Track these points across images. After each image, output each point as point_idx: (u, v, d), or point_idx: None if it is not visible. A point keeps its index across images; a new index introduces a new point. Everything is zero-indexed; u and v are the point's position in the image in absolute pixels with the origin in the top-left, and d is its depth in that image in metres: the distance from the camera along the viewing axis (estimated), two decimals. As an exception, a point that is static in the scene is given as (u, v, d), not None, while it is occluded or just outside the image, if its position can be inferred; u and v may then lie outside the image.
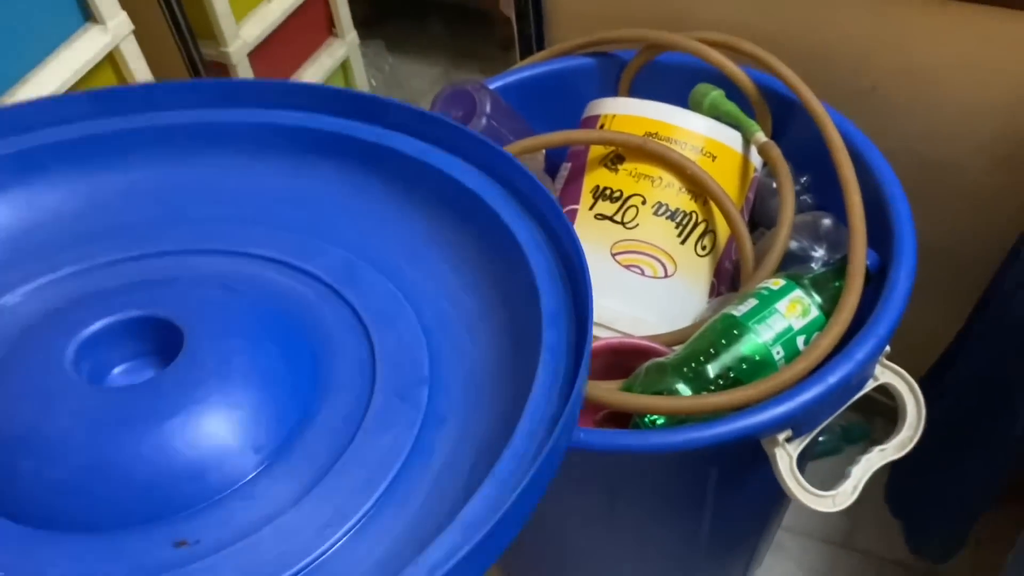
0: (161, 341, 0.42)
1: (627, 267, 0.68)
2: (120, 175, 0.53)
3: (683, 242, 0.68)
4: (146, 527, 0.37)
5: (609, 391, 0.56)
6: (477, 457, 0.40)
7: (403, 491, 0.39)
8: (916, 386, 0.60)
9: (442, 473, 0.40)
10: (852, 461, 0.60)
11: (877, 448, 0.59)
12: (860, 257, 0.61)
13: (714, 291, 0.70)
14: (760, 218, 0.76)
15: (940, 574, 0.94)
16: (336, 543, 0.37)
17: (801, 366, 0.56)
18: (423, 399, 0.42)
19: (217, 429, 0.39)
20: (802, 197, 0.74)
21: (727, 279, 0.72)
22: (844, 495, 0.58)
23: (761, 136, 0.70)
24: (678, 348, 0.63)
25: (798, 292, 0.60)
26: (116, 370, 0.43)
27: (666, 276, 0.68)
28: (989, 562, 0.86)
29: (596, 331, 0.66)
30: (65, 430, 0.38)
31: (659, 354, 0.64)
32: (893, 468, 0.60)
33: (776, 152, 0.69)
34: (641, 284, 0.67)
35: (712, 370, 0.57)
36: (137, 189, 0.53)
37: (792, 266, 0.67)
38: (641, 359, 0.65)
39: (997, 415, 0.76)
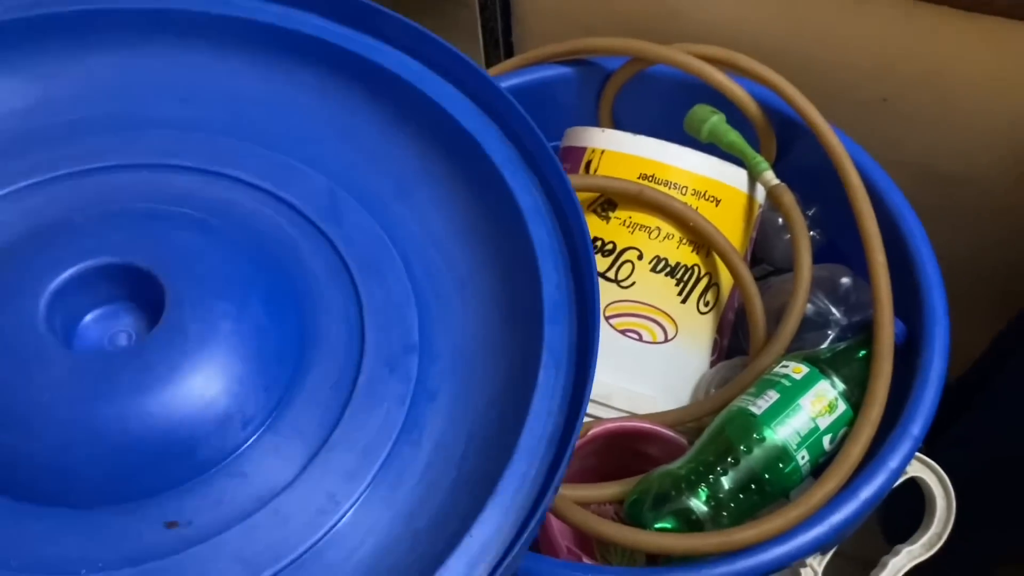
0: (137, 288, 0.39)
1: (623, 332, 0.60)
2: (76, 64, 0.46)
3: (684, 300, 0.61)
4: (135, 505, 0.36)
5: (618, 529, 0.49)
6: (468, 442, 0.38)
7: (395, 473, 0.37)
8: (947, 479, 0.55)
9: (434, 455, 0.38)
10: (875, 564, 0.55)
11: (904, 549, 0.54)
12: (888, 341, 0.54)
13: (716, 347, 0.63)
14: (763, 254, 0.68)
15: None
16: (330, 530, 0.36)
17: (832, 485, 0.49)
18: (413, 369, 0.40)
19: (205, 399, 0.36)
20: (811, 233, 0.67)
21: (728, 331, 0.65)
22: (870, 606, 0.53)
23: (771, 177, 0.62)
24: (684, 435, 0.57)
25: (823, 384, 0.53)
26: (88, 317, 0.39)
27: (666, 340, 0.60)
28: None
29: (590, 409, 0.59)
30: (45, 402, 0.36)
31: (665, 440, 0.57)
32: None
33: (789, 198, 0.61)
34: (639, 352, 0.60)
35: (729, 482, 0.51)
36: (95, 80, 0.46)
37: (806, 332, 0.60)
38: (642, 442, 0.58)
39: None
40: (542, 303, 0.40)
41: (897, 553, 0.54)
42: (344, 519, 0.36)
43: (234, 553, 0.35)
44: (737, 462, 0.51)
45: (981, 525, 0.65)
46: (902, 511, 0.58)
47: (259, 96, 0.47)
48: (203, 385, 0.36)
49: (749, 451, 0.51)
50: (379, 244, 0.43)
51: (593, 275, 0.40)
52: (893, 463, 0.51)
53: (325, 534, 0.36)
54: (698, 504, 0.50)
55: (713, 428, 0.54)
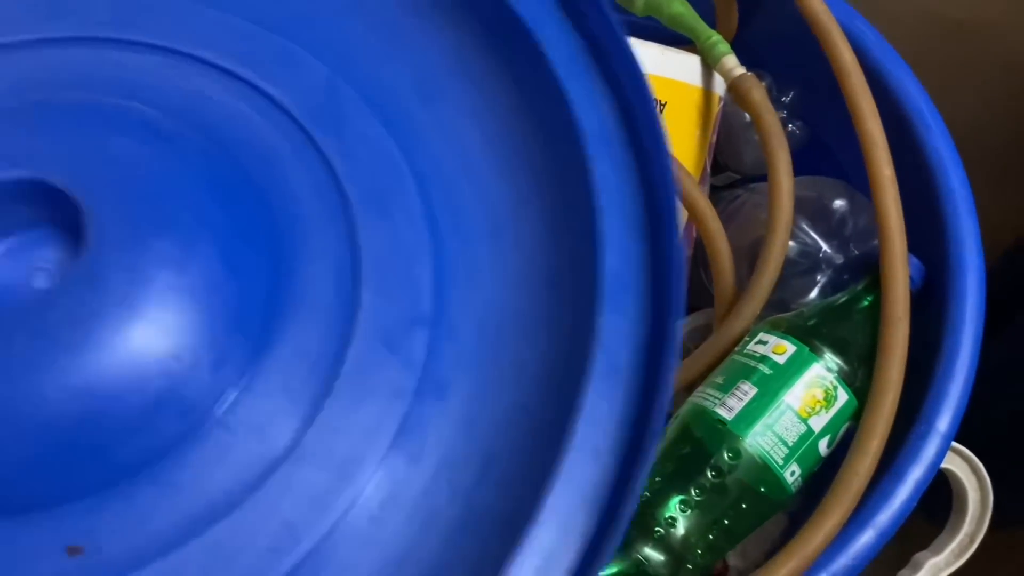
0: (58, 214, 0.29)
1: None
2: None
3: (625, 246, 0.45)
4: (24, 519, 0.27)
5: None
6: (485, 465, 0.28)
7: (381, 501, 0.27)
8: (983, 469, 0.41)
9: (436, 479, 0.28)
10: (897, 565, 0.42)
11: (928, 561, 0.42)
12: (901, 291, 0.39)
13: (672, 294, 0.48)
14: (726, 158, 0.52)
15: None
16: None
17: (834, 520, 0.36)
18: (420, 351, 0.29)
19: (122, 380, 0.27)
20: (789, 127, 0.50)
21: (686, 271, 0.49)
22: (886, 641, 0.41)
23: (732, 64, 0.44)
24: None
25: (816, 369, 0.39)
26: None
27: (604, 303, 0.45)
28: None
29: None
30: None
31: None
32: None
33: (759, 94, 0.44)
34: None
35: (692, 519, 0.37)
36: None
37: (788, 277, 0.44)
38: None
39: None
40: (598, 279, 0.28)
41: (918, 567, 0.41)
42: (305, 564, 0.27)
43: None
44: (703, 490, 0.37)
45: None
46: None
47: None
48: (121, 361, 0.27)
49: (719, 475, 0.37)
50: (390, 165, 0.31)
51: (677, 243, 0.28)
52: (915, 475, 0.37)
53: None
54: (653, 554, 0.37)
55: (668, 438, 0.39)
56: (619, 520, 0.25)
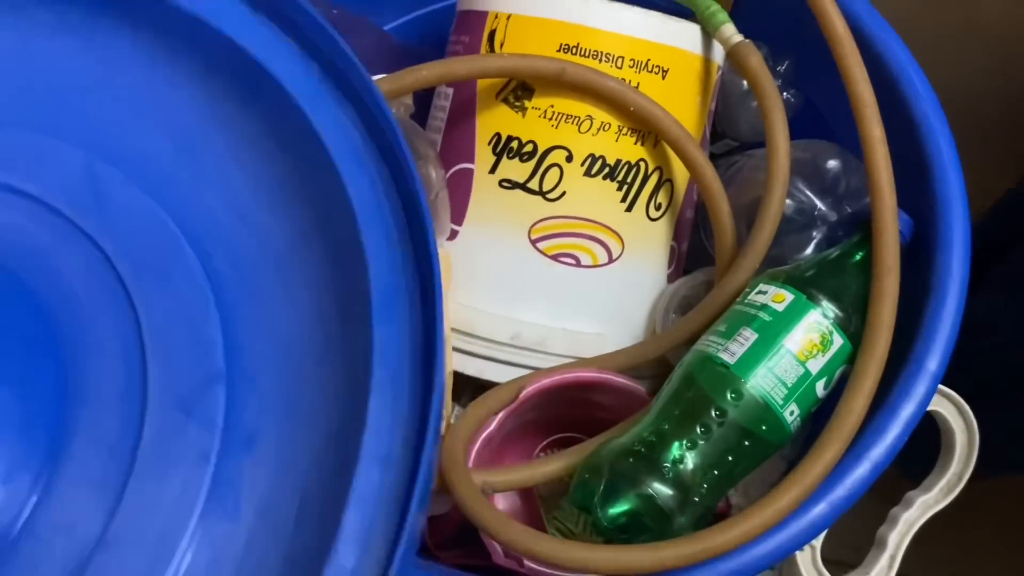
0: None
1: (555, 257, 0.47)
2: None
3: (630, 208, 0.47)
4: None
5: (560, 547, 0.37)
6: (302, 503, 0.28)
7: (205, 565, 0.28)
8: (969, 411, 0.44)
9: (258, 528, 0.28)
10: (883, 518, 0.45)
11: (918, 499, 0.44)
12: (891, 243, 0.42)
13: (673, 255, 0.50)
14: (725, 126, 0.55)
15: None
16: None
17: (831, 453, 0.38)
18: (219, 407, 0.29)
19: None
20: (784, 95, 0.53)
21: (688, 233, 0.52)
22: (881, 572, 0.43)
23: (731, 32, 0.47)
24: (639, 380, 0.45)
25: (813, 315, 0.41)
26: None
27: (611, 261, 0.47)
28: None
29: (518, 358, 0.47)
30: None
31: (615, 387, 0.45)
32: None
33: (756, 60, 0.46)
34: (577, 279, 0.47)
35: (699, 456, 0.40)
36: None
37: (785, 234, 0.47)
38: (591, 391, 0.47)
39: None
40: (371, 290, 0.29)
41: (910, 504, 0.44)
42: None
43: None
44: (708, 431, 0.40)
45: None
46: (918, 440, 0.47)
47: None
48: None
49: (723, 414, 0.40)
50: (159, 229, 0.32)
51: (433, 243, 0.29)
52: (907, 410, 0.40)
53: None
54: (662, 488, 0.39)
55: (675, 383, 0.42)
56: (410, 511, 0.26)
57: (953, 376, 0.44)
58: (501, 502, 0.48)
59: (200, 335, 0.30)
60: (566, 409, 0.48)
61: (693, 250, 0.53)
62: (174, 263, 0.31)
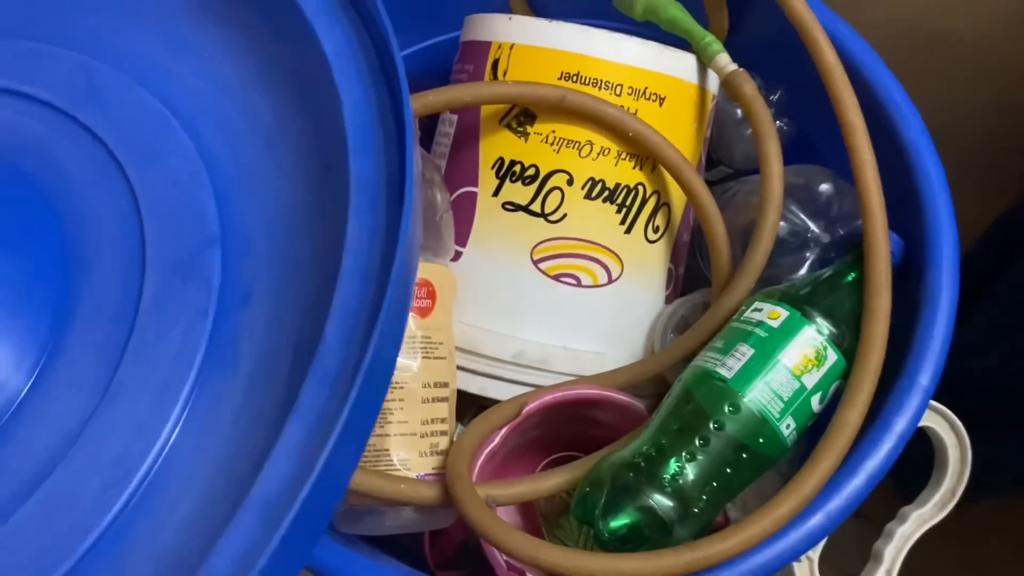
0: None
1: (556, 278, 0.48)
2: None
3: (629, 230, 0.49)
4: None
5: (563, 555, 0.38)
6: (296, 351, 0.30)
7: (206, 410, 0.30)
8: (961, 427, 0.45)
9: (256, 376, 0.30)
10: (878, 534, 0.45)
11: (913, 513, 0.45)
12: (883, 263, 0.43)
13: (671, 277, 0.52)
14: (720, 154, 0.56)
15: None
16: (126, 506, 0.28)
17: (827, 464, 0.39)
18: (214, 269, 0.32)
19: None
20: (778, 124, 0.54)
21: (685, 256, 0.53)
22: (877, 586, 0.44)
23: (726, 61, 0.49)
24: (638, 397, 0.46)
25: (808, 331, 0.42)
26: None
27: (610, 282, 0.49)
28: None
29: (521, 376, 0.48)
30: None
31: (615, 404, 0.46)
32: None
33: (750, 88, 0.48)
34: (578, 299, 0.48)
35: (698, 468, 0.40)
36: None
37: (779, 256, 0.48)
38: (592, 408, 0.48)
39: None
40: (344, 129, 0.31)
41: (905, 519, 0.45)
42: (142, 488, 0.29)
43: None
44: (707, 443, 0.41)
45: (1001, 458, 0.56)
46: (911, 460, 0.48)
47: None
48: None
49: (721, 428, 0.41)
50: (154, 117, 0.34)
51: (403, 84, 0.31)
52: (900, 424, 0.41)
53: (119, 513, 0.28)
54: (662, 501, 0.40)
55: (674, 398, 0.43)
56: (383, 326, 0.27)
57: (946, 400, 0.45)
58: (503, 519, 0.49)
59: (194, 205, 0.32)
60: (567, 427, 0.49)
61: (689, 274, 0.54)
62: (167, 143, 0.34)
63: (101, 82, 0.35)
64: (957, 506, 0.46)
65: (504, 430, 0.45)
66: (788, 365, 0.42)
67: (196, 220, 0.32)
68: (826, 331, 0.43)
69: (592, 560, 0.38)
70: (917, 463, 0.47)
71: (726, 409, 0.41)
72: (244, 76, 0.35)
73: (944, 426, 0.45)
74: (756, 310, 0.44)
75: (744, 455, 0.41)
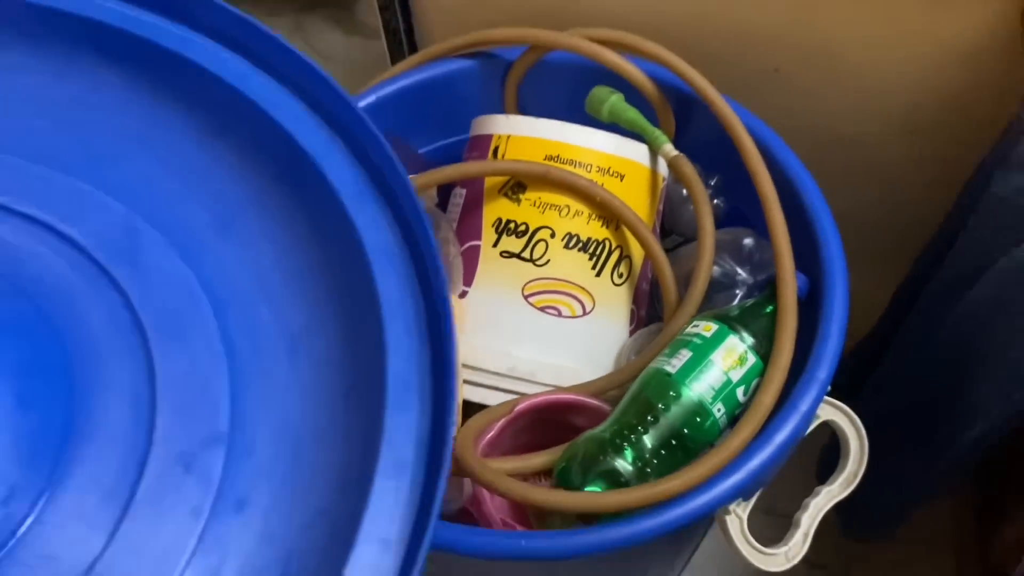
0: None
1: (542, 309, 0.62)
2: None
3: (598, 274, 0.63)
4: None
5: (548, 494, 0.50)
6: (286, 568, 0.29)
7: None
8: (858, 420, 0.58)
9: None
10: (798, 506, 0.57)
11: (824, 489, 0.57)
12: (791, 294, 0.57)
13: (633, 317, 0.65)
14: (671, 224, 0.71)
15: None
16: None
17: (747, 431, 0.52)
18: (216, 469, 0.31)
19: None
20: (715, 201, 0.69)
21: (645, 302, 0.67)
22: (796, 547, 0.55)
23: (670, 149, 0.64)
24: (608, 402, 0.59)
25: (733, 339, 0.56)
26: None
27: (585, 314, 0.62)
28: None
29: (514, 386, 0.61)
30: None
31: (590, 409, 0.59)
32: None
33: (688, 168, 0.63)
34: (559, 327, 0.62)
35: (652, 440, 0.53)
36: None
37: (715, 293, 0.62)
38: (570, 414, 0.60)
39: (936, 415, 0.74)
40: (385, 380, 0.31)
41: (817, 494, 0.57)
42: None
43: None
44: (657, 420, 0.53)
45: (900, 468, 0.69)
46: (833, 464, 0.60)
47: (44, 101, 0.38)
48: None
49: (667, 409, 0.53)
50: (186, 291, 0.33)
51: (453, 344, 0.31)
52: (803, 406, 0.53)
53: None
54: (623, 464, 0.52)
55: (632, 390, 0.56)
56: None
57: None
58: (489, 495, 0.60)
59: (209, 397, 0.31)
60: (548, 433, 0.61)
61: (650, 319, 0.67)
62: (195, 325, 0.33)
63: (142, 241, 0.34)
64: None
65: (500, 422, 0.58)
66: (718, 363, 0.55)
67: (208, 412, 0.31)
68: (748, 341, 0.56)
69: (577, 498, 0.50)
70: (828, 461, 0.59)
71: (671, 395, 0.54)
72: (282, 274, 0.34)
73: (846, 420, 0.58)
74: (695, 326, 0.57)
75: (686, 430, 0.53)
